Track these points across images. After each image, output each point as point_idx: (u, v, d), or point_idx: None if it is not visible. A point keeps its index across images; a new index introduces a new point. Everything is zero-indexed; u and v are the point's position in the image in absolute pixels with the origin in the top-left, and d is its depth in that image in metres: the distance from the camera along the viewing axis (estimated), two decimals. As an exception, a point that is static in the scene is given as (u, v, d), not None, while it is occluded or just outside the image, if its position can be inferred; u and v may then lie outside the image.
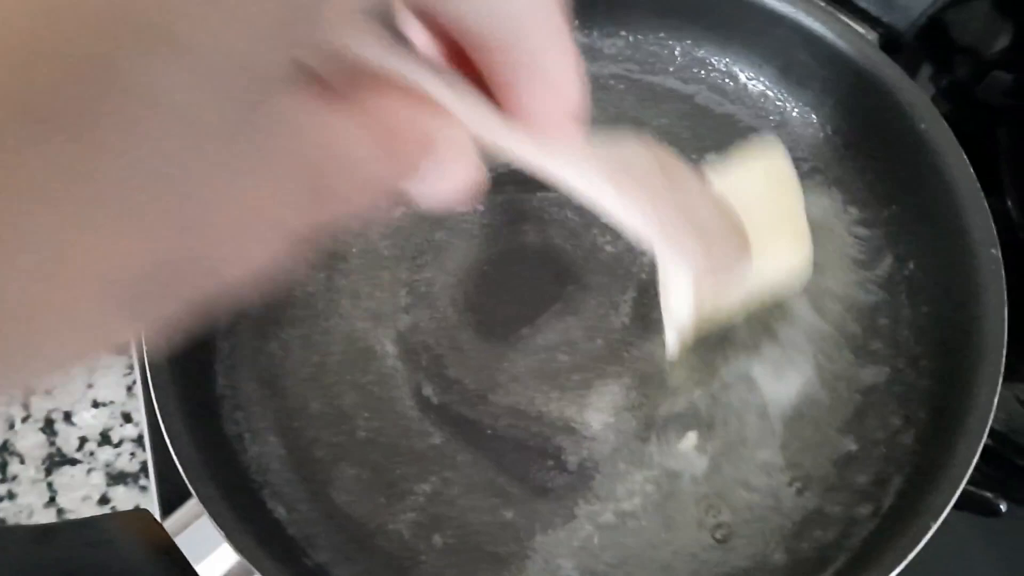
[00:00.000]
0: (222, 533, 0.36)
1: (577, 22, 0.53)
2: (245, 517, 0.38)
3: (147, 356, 0.39)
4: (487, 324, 0.46)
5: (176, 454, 0.37)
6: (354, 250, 0.48)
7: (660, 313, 0.43)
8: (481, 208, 0.49)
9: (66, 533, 0.34)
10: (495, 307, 0.47)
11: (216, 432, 0.42)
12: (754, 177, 0.40)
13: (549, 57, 0.22)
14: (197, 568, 0.36)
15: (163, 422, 0.37)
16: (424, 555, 0.42)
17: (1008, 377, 0.61)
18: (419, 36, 0.22)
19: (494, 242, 0.49)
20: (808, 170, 0.50)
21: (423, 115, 0.21)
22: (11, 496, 0.65)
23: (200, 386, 0.42)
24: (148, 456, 0.54)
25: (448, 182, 0.22)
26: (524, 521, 0.42)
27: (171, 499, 0.53)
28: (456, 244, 0.49)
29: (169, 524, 0.37)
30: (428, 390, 0.45)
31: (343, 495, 0.43)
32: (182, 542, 0.36)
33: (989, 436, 0.58)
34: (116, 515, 0.36)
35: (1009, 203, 0.61)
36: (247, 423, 0.44)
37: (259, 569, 0.35)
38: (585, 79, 0.23)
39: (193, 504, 0.37)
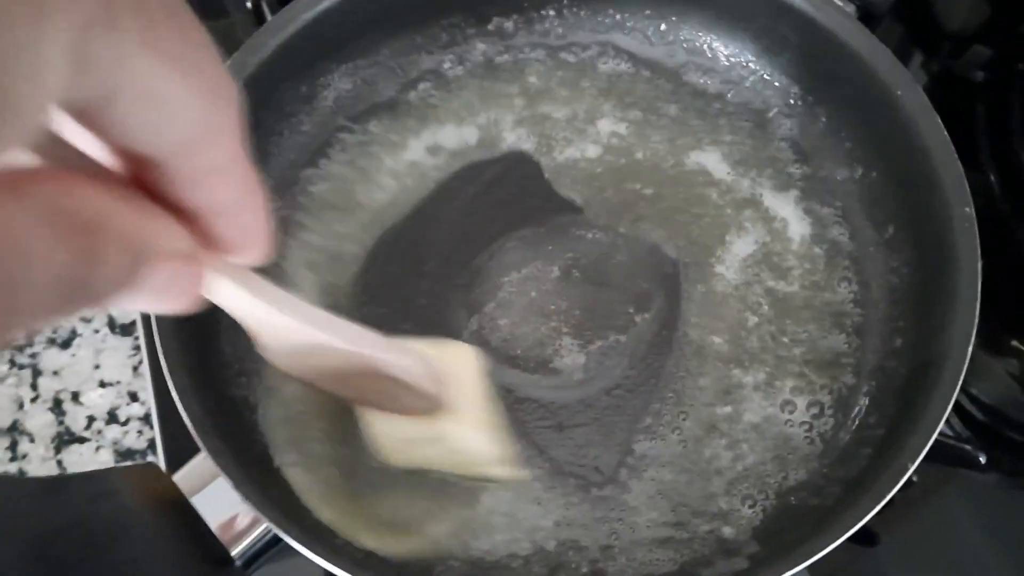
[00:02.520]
0: (232, 483, 0.37)
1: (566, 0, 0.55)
2: (251, 471, 0.39)
3: (156, 323, 0.40)
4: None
5: (184, 409, 0.38)
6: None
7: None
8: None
9: (75, 485, 0.36)
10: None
11: (222, 395, 0.44)
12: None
13: (223, 184, 0.21)
14: (207, 519, 0.38)
15: (171, 379, 0.39)
16: (424, 500, 0.43)
17: (997, 352, 0.62)
18: (88, 145, 0.20)
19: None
20: (789, 140, 0.52)
21: (133, 217, 0.19)
22: (22, 474, 0.66)
23: (207, 352, 0.44)
24: (156, 429, 0.56)
25: (165, 295, 0.20)
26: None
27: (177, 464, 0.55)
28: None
29: (178, 478, 0.39)
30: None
31: (347, 453, 0.44)
32: (193, 496, 0.38)
33: (980, 410, 0.60)
34: (125, 469, 0.38)
35: (992, 177, 0.62)
36: (250, 386, 0.45)
37: (270, 519, 0.37)
38: (266, 205, 0.22)
39: (201, 459, 0.39)
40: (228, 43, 0.69)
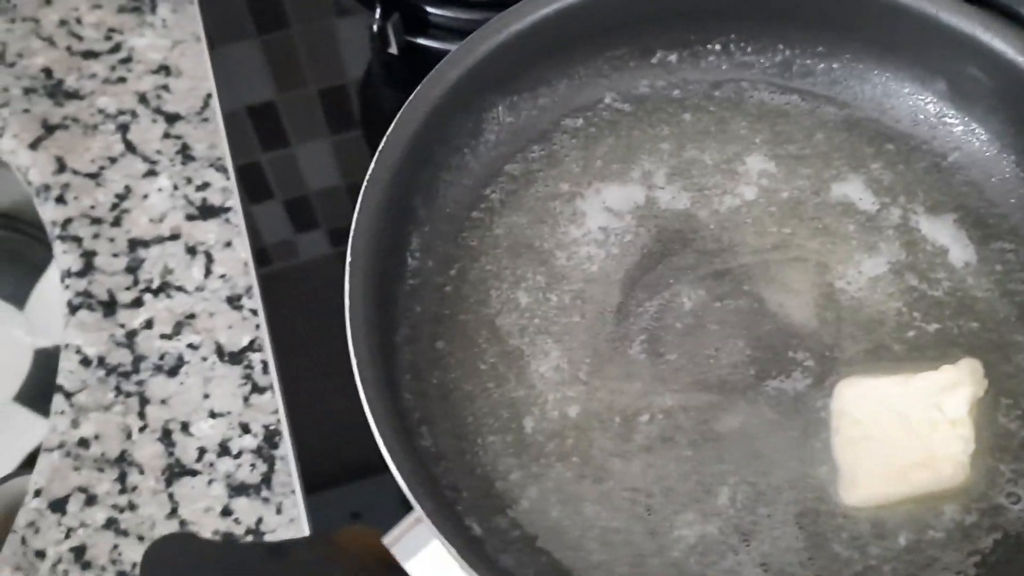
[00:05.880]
0: (453, 550, 0.35)
1: (734, 35, 0.53)
2: (458, 535, 0.37)
3: (359, 371, 0.38)
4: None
5: (397, 469, 0.36)
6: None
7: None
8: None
9: (300, 550, 0.34)
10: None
11: (411, 447, 0.41)
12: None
13: None
14: (419, 583, 0.36)
15: (380, 436, 0.37)
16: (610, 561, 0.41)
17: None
18: None
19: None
20: (970, 185, 0.50)
21: None
22: (132, 507, 0.64)
23: (394, 402, 0.42)
24: (293, 469, 0.54)
25: None
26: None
27: (319, 512, 0.53)
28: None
29: (388, 541, 0.37)
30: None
31: (532, 511, 0.42)
32: (407, 562, 0.36)
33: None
34: (339, 532, 0.36)
35: None
36: (432, 438, 0.43)
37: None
38: None
39: (409, 520, 0.37)
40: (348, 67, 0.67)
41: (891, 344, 0.46)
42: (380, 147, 0.43)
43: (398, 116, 0.44)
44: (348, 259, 0.41)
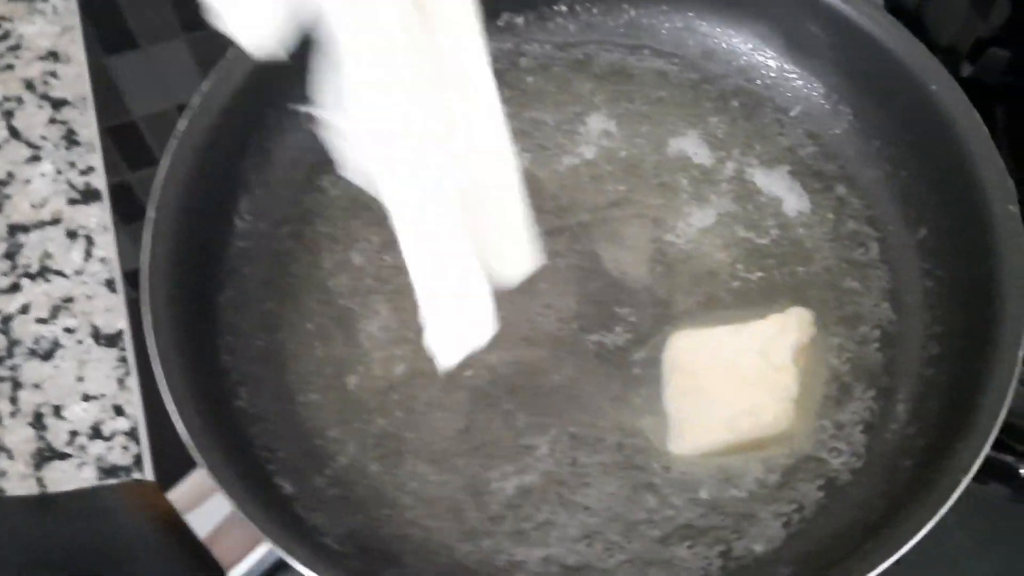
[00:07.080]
0: (234, 503, 0.34)
1: (583, -4, 0.53)
2: (253, 488, 0.37)
3: (154, 330, 0.38)
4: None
5: (182, 422, 0.36)
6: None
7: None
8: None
9: (63, 503, 0.33)
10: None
11: (222, 407, 0.41)
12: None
13: None
14: (204, 539, 0.35)
15: (168, 392, 0.36)
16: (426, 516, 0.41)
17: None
18: None
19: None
20: (812, 138, 0.50)
21: None
22: (-1, 492, 0.63)
23: (204, 361, 0.41)
24: (144, 444, 0.53)
25: None
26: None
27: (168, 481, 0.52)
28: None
29: (173, 495, 0.36)
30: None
31: (351, 468, 0.42)
32: (188, 514, 0.35)
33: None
34: (115, 485, 0.35)
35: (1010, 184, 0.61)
36: (250, 398, 0.43)
37: (275, 540, 0.34)
38: None
39: (198, 476, 0.36)
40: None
41: (722, 295, 0.46)
42: (191, 106, 0.43)
43: (211, 74, 0.43)
44: (150, 214, 0.40)
